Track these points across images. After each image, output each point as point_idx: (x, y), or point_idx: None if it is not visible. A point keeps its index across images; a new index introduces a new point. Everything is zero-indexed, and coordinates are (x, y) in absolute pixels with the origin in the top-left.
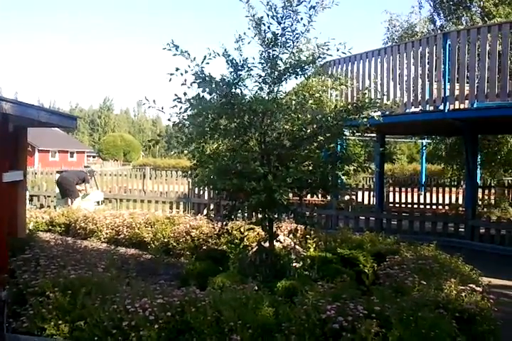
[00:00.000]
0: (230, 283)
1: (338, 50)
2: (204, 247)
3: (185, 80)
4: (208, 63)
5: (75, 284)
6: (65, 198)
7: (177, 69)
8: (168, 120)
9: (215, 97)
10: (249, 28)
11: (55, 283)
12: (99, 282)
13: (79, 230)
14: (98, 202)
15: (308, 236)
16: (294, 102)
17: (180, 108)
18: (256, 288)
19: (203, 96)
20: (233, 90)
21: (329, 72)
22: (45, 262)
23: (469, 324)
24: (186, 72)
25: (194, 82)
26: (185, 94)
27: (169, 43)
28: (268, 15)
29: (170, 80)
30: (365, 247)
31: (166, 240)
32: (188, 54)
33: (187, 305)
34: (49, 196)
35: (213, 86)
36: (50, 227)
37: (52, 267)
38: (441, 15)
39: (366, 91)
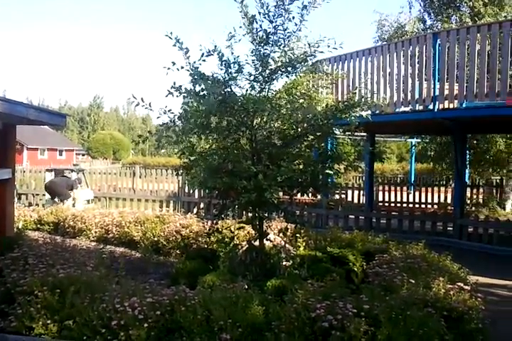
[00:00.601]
0: (220, 281)
1: (329, 46)
2: (194, 246)
3: (179, 86)
4: (204, 60)
5: (64, 283)
6: (54, 198)
7: (173, 63)
8: (163, 112)
9: (210, 95)
10: (240, 27)
11: (44, 282)
12: (88, 281)
13: (68, 229)
14: (88, 201)
15: (298, 235)
16: (285, 101)
17: (171, 110)
18: (246, 286)
19: (199, 91)
20: (226, 89)
21: (320, 71)
22: (33, 261)
23: (457, 322)
24: (182, 67)
25: (193, 79)
26: (179, 88)
27: (169, 35)
28: (260, 13)
29: (167, 74)
30: (355, 246)
31: (155, 239)
32: (187, 49)
33: (177, 304)
34: (37, 194)
35: (209, 83)
36: (38, 226)
37: (41, 266)
38: (431, 14)
39: (357, 90)
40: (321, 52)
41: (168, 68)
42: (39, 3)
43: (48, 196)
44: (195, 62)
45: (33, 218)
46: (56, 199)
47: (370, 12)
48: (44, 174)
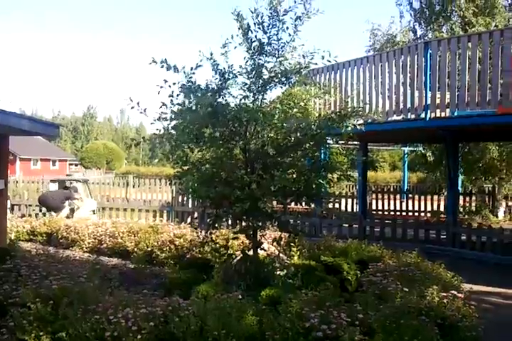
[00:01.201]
0: (214, 292)
1: (323, 58)
2: (188, 256)
3: (173, 92)
4: (193, 73)
5: (57, 294)
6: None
7: (165, 81)
8: (156, 130)
9: (201, 107)
10: (237, 35)
11: (37, 293)
12: (82, 292)
13: (61, 239)
14: (93, 211)
15: (292, 244)
16: (278, 111)
17: (165, 118)
18: (240, 296)
19: (190, 106)
20: (218, 99)
21: (313, 81)
22: (26, 272)
23: (451, 330)
24: (174, 83)
25: (181, 92)
26: (171, 101)
27: (153, 58)
28: (255, 23)
29: (159, 93)
30: (349, 255)
31: (149, 249)
32: (176, 68)
33: (170, 315)
34: (30, 205)
35: (199, 95)
36: (31, 237)
37: (34, 277)
38: (422, 24)
39: (349, 99)
40: (315, 63)
41: (161, 86)
42: (32, 14)
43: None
44: (186, 77)
45: (26, 229)
46: (53, 213)
47: (362, 21)
48: (48, 185)
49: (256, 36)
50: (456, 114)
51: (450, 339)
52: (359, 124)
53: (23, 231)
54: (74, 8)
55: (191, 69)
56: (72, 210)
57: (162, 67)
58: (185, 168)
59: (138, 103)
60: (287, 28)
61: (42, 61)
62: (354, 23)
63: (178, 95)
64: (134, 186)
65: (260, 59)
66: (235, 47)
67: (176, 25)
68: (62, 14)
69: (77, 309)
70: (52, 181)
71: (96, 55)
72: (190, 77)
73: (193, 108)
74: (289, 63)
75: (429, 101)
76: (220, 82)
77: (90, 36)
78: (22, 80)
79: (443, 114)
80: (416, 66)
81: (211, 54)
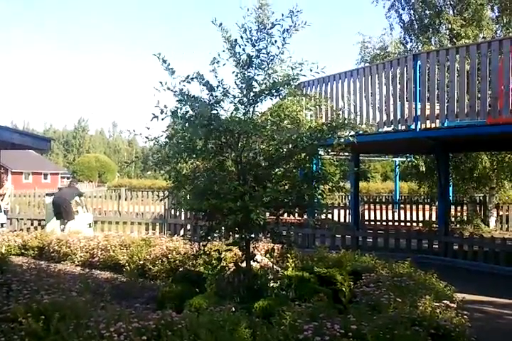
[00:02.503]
0: (207, 305)
1: (311, 70)
2: (181, 269)
3: (165, 106)
4: (189, 82)
5: (49, 309)
6: (60, 220)
7: (161, 83)
8: (147, 139)
9: (197, 117)
10: (223, 51)
11: (28, 308)
12: (74, 307)
13: (52, 253)
14: (89, 225)
15: (285, 256)
16: (269, 122)
17: (162, 119)
18: (233, 309)
19: (185, 113)
20: (210, 110)
21: (304, 93)
22: (17, 287)
23: (445, 340)
24: (169, 88)
25: (180, 100)
26: (164, 107)
27: (157, 55)
28: (242, 37)
29: (154, 95)
30: (342, 265)
31: (141, 262)
32: (173, 70)
33: (163, 329)
34: (22, 219)
35: (197, 106)
36: (23, 251)
37: (25, 292)
38: (412, 37)
39: (340, 111)
40: (304, 75)
41: (157, 89)
42: (23, 27)
43: (49, 216)
44: (180, 83)
45: (17, 243)
46: (65, 223)
47: (353, 34)
48: (44, 198)
49: (244, 50)
50: (446, 124)
51: None
52: (350, 136)
53: (15, 245)
54: (64, 22)
55: (187, 77)
56: (62, 222)
57: (162, 65)
58: (178, 180)
59: (134, 130)
60: (275, 41)
61: (33, 74)
62: (347, 36)
63: (177, 101)
64: (126, 199)
65: (250, 72)
66: (224, 64)
67: (169, 38)
68: (53, 27)
69: (69, 323)
70: (48, 195)
71: (88, 68)
72: (184, 85)
73: (189, 118)
74: (278, 75)
75: (419, 113)
76: (211, 97)
77: (82, 49)
78: (14, 94)
79: (433, 125)
80: (405, 78)
81: (199, 73)
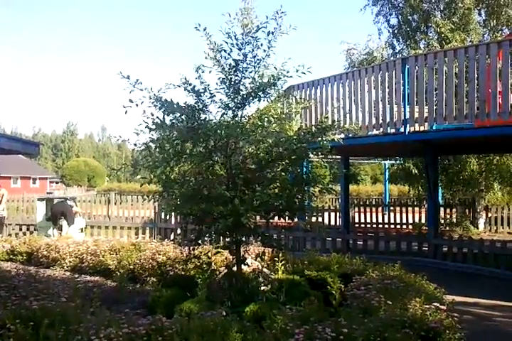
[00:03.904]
0: (198, 309)
1: (297, 71)
2: (171, 273)
3: (145, 111)
4: (165, 92)
5: (38, 315)
6: (57, 225)
7: (131, 100)
8: (134, 145)
9: (179, 122)
10: (206, 58)
11: (17, 314)
12: (63, 312)
13: (41, 259)
14: (81, 229)
15: (276, 259)
16: (258, 126)
17: (144, 133)
18: (224, 313)
19: (163, 119)
20: (197, 115)
21: (292, 95)
22: (5, 293)
23: None
24: (142, 103)
25: (156, 108)
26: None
27: (121, 73)
28: (227, 42)
29: (126, 113)
30: (332, 268)
31: (131, 267)
32: (140, 83)
33: (154, 334)
34: (10, 224)
35: (176, 109)
36: (11, 256)
37: (14, 298)
38: (400, 40)
39: (329, 113)
40: (290, 76)
41: (130, 106)
42: (10, 29)
43: (41, 222)
44: (161, 97)
45: (6, 248)
46: (62, 225)
47: (337, 43)
48: (35, 203)
49: (230, 54)
50: (434, 127)
51: None
52: (339, 138)
53: (3, 250)
54: (53, 25)
55: (160, 89)
56: (59, 228)
57: (134, 86)
58: (168, 184)
59: (120, 136)
60: (261, 44)
61: (22, 78)
62: (331, 46)
63: (153, 111)
64: (115, 203)
65: (237, 75)
66: (210, 72)
67: (158, 42)
68: (41, 30)
69: (59, 330)
70: (40, 200)
71: (77, 71)
72: (163, 92)
73: (170, 124)
74: (264, 79)
75: (407, 116)
76: (197, 104)
77: (71, 53)
78: (1, 97)
79: (422, 128)
80: (394, 81)
81: (186, 79)
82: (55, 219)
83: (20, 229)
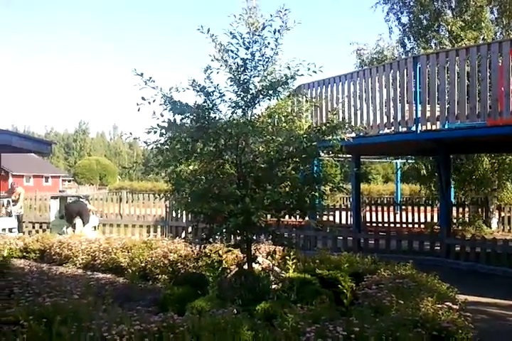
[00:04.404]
0: (209, 307)
1: (309, 70)
2: (182, 271)
3: (154, 112)
4: (177, 91)
5: (50, 312)
6: (72, 224)
7: (143, 98)
8: (146, 145)
9: (189, 121)
10: (212, 60)
11: (30, 311)
12: (75, 309)
13: (54, 256)
14: (95, 227)
15: (287, 258)
16: (268, 124)
17: (155, 132)
18: (235, 311)
19: (174, 120)
20: (207, 114)
21: (302, 93)
22: (19, 290)
23: None
24: (154, 101)
25: (165, 109)
26: (157, 117)
27: (135, 70)
28: (232, 43)
29: (138, 110)
30: (343, 267)
31: (143, 265)
32: (153, 81)
33: (165, 331)
34: (23, 222)
35: (185, 109)
36: (24, 254)
37: (27, 295)
38: (411, 39)
39: (340, 111)
40: (301, 75)
41: (142, 104)
42: (23, 30)
43: (55, 220)
44: (171, 97)
45: (19, 246)
46: (76, 223)
47: (347, 44)
48: (48, 202)
49: (237, 53)
50: (446, 126)
51: None
52: (350, 137)
53: (16, 248)
54: (65, 25)
55: (171, 88)
56: (73, 226)
57: (146, 83)
58: (178, 183)
59: (131, 133)
60: (269, 43)
61: (34, 77)
62: (340, 46)
63: (164, 110)
64: (127, 201)
65: (246, 74)
66: (218, 73)
67: (170, 41)
68: (53, 30)
69: (71, 326)
70: (53, 198)
71: (88, 70)
72: (171, 95)
73: (180, 123)
74: (275, 76)
75: (419, 115)
76: (207, 103)
77: (82, 52)
78: (15, 97)
79: (434, 127)
80: (406, 80)
81: (194, 80)
82: (70, 217)
83: (33, 227)
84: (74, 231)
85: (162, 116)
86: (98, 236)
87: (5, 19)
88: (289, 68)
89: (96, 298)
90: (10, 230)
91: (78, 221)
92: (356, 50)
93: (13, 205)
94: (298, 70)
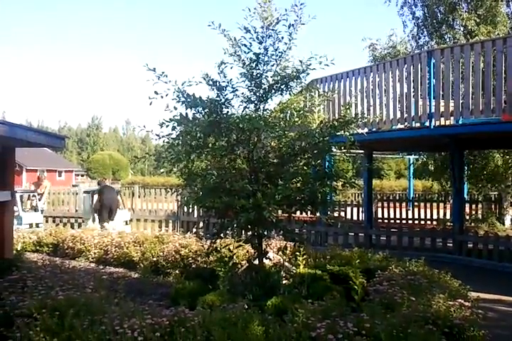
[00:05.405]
0: (220, 302)
1: (320, 63)
2: (193, 266)
3: (168, 105)
4: (190, 85)
5: (63, 305)
6: (104, 219)
7: (156, 92)
8: (158, 138)
9: (202, 116)
10: (225, 53)
11: (43, 304)
12: (88, 303)
13: (67, 250)
14: (126, 222)
15: (297, 253)
16: (280, 119)
17: (167, 126)
18: (246, 306)
19: (186, 114)
20: (220, 109)
21: (315, 88)
22: (32, 283)
23: (459, 339)
24: (167, 95)
25: (178, 101)
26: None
27: (147, 65)
28: (245, 37)
29: (150, 104)
30: (355, 263)
31: (154, 259)
32: (166, 76)
33: (176, 325)
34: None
35: (198, 103)
36: (37, 248)
37: (40, 288)
38: (425, 33)
39: (353, 105)
40: (313, 69)
41: (155, 98)
42: (38, 26)
43: (88, 211)
44: (184, 91)
45: (32, 240)
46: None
47: (360, 37)
48: (81, 195)
49: (250, 48)
50: (460, 122)
51: None
52: (363, 132)
53: (30, 242)
54: (78, 19)
55: (184, 82)
56: (105, 219)
57: (159, 78)
58: (190, 178)
59: (144, 126)
60: (282, 37)
61: (48, 72)
62: (354, 42)
63: (176, 103)
64: (139, 196)
65: (258, 69)
66: (232, 67)
67: (183, 36)
68: (67, 25)
69: (84, 320)
70: (86, 192)
71: (102, 65)
72: (184, 89)
73: (193, 117)
74: (287, 71)
75: (433, 110)
76: (219, 98)
77: (95, 47)
78: (29, 92)
79: (447, 122)
80: (419, 75)
81: (207, 74)
82: (106, 210)
83: (47, 221)
84: (102, 225)
85: (175, 109)
86: (132, 230)
87: (18, 11)
88: (300, 62)
89: (108, 291)
90: (37, 225)
91: (105, 214)
92: (369, 45)
93: (39, 199)
94: (310, 64)
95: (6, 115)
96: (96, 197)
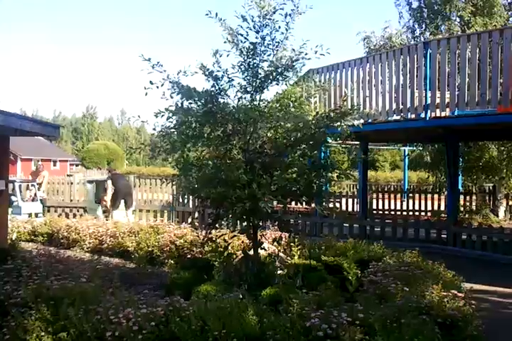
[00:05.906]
0: (215, 292)
1: (316, 53)
2: (188, 256)
3: (164, 93)
4: (185, 75)
5: (58, 295)
6: (118, 203)
7: (151, 82)
8: (154, 129)
9: (197, 106)
10: (225, 42)
11: (38, 293)
12: (83, 292)
13: (62, 240)
14: (132, 212)
15: (292, 244)
16: (276, 110)
17: (163, 116)
18: (241, 296)
19: (182, 104)
20: (215, 99)
21: (311, 78)
22: (27, 273)
23: (452, 330)
24: (162, 85)
25: (173, 92)
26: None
27: (142, 56)
28: (242, 26)
29: (146, 94)
30: (349, 254)
31: (150, 249)
32: (161, 65)
33: (171, 315)
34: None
35: (193, 94)
36: (32, 237)
37: (35, 277)
38: (421, 24)
39: (349, 97)
40: (309, 58)
41: (151, 88)
42: (33, 15)
43: (91, 203)
44: (179, 81)
45: (27, 229)
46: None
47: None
48: (86, 186)
49: (246, 37)
50: (456, 113)
51: (451, 338)
52: (358, 123)
53: (24, 231)
54: (74, 9)
55: (179, 71)
56: (104, 211)
57: (153, 67)
58: (186, 168)
59: (139, 116)
60: (279, 27)
61: (43, 61)
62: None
63: (171, 94)
64: (134, 186)
65: (255, 59)
66: (228, 55)
67: (178, 26)
68: (62, 14)
69: (79, 309)
70: (89, 182)
71: (97, 55)
72: (179, 78)
73: (188, 108)
74: (282, 61)
75: (429, 101)
76: (215, 88)
77: (90, 36)
78: (23, 81)
79: (443, 114)
80: (415, 66)
81: (202, 64)
82: (121, 197)
83: (49, 211)
84: (106, 215)
85: (172, 97)
86: (136, 220)
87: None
88: (293, 50)
89: (103, 281)
90: (36, 215)
91: (127, 202)
92: (364, 38)
93: (38, 189)
94: (304, 53)
95: (0, 104)
96: (109, 184)
